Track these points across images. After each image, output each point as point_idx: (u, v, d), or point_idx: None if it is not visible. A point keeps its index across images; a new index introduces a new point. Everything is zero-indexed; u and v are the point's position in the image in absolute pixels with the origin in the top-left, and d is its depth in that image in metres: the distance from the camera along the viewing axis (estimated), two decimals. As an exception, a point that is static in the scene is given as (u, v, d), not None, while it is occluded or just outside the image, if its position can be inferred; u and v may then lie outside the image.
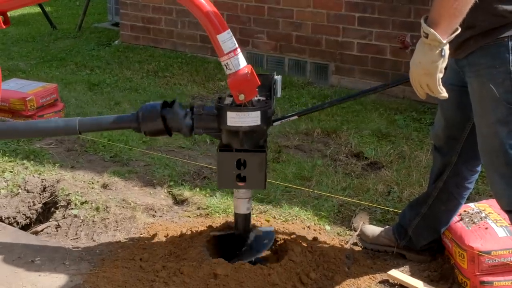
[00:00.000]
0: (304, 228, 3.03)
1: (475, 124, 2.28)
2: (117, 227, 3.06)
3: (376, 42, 5.25)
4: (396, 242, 2.81)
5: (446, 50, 2.00)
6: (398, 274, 2.64)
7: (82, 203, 3.23)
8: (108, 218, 3.11)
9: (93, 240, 2.97)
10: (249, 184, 2.51)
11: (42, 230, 3.12)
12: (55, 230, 3.08)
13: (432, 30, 1.95)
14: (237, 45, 2.36)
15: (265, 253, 2.77)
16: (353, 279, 2.62)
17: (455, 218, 2.70)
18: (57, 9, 9.39)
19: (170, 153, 3.99)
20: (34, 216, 3.33)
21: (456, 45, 2.16)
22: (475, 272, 2.51)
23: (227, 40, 2.32)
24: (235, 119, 2.41)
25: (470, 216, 2.68)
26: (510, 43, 2.07)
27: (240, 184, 2.51)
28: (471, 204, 2.82)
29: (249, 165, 2.47)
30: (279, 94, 2.56)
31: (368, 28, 5.27)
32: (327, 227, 3.08)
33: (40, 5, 7.94)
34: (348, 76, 5.48)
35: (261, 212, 3.20)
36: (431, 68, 2.02)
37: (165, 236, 2.94)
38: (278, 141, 4.18)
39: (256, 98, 2.44)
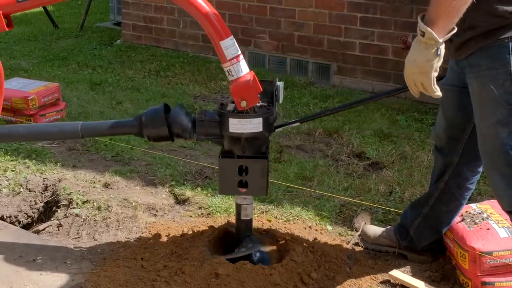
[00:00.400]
0: (305, 228, 3.03)
1: (476, 125, 2.28)
2: (118, 226, 3.07)
3: (378, 42, 5.25)
4: (397, 242, 2.81)
5: (442, 49, 2.00)
6: (400, 274, 2.64)
7: (83, 202, 3.23)
8: (110, 218, 3.11)
9: (95, 239, 2.97)
10: (251, 190, 2.51)
11: (43, 229, 3.13)
12: (57, 229, 3.09)
13: (428, 29, 1.95)
14: (239, 52, 2.35)
15: (267, 247, 2.77)
16: (355, 279, 2.61)
17: (457, 218, 2.70)
18: (59, 8, 9.39)
19: (171, 153, 3.99)
20: (36, 215, 3.33)
21: (457, 46, 2.16)
22: (476, 272, 2.51)
23: (230, 46, 2.32)
24: (237, 125, 2.40)
25: (472, 217, 2.68)
26: (510, 44, 2.06)
27: (242, 190, 2.51)
28: (473, 205, 2.82)
29: (251, 171, 2.47)
30: (281, 100, 2.56)
31: (370, 28, 5.26)
32: (329, 227, 3.08)
33: (42, 5, 7.95)
34: (350, 76, 5.47)
35: (262, 212, 3.21)
36: (426, 67, 2.02)
37: (166, 236, 2.94)
38: (279, 141, 4.17)
39: (258, 105, 2.43)
